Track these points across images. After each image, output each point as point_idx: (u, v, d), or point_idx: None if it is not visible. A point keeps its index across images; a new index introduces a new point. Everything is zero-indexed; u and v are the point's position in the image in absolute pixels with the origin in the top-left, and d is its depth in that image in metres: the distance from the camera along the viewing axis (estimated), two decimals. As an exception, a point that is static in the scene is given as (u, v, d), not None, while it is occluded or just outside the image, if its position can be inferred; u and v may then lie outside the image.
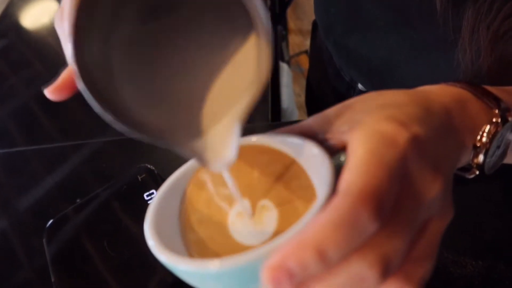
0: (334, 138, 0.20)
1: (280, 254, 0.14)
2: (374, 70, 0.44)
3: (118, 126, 0.17)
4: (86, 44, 0.17)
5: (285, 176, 0.21)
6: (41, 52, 0.69)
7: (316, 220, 0.15)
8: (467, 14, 0.29)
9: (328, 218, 0.15)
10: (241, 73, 0.19)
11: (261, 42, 0.17)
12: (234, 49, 0.19)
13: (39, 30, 0.77)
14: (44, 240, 0.43)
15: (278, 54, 0.94)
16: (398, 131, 0.17)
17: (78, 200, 0.45)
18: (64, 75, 0.26)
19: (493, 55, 0.29)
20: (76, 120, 0.57)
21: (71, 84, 0.25)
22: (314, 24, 0.60)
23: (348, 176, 0.16)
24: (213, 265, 0.16)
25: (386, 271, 0.15)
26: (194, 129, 0.19)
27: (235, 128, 0.19)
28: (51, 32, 0.72)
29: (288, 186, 0.21)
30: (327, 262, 0.14)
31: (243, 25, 0.18)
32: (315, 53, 0.61)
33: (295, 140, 0.21)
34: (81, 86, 0.16)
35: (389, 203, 0.16)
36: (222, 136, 0.19)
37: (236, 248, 0.19)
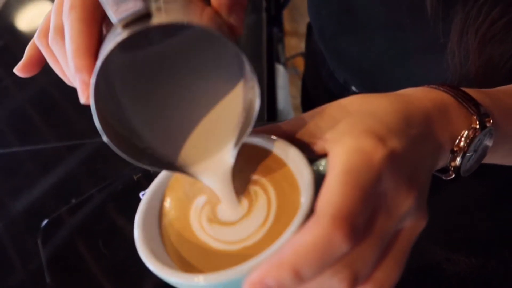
0: (316, 144, 0.21)
1: (260, 272, 0.16)
2: (365, 72, 0.44)
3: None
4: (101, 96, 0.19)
5: (279, 177, 0.22)
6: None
7: (293, 241, 0.17)
8: (457, 17, 0.30)
9: (304, 240, 0.16)
10: (233, 109, 0.22)
11: (248, 86, 0.20)
12: (228, 90, 0.22)
13: (34, 31, 0.77)
14: (39, 241, 0.42)
15: (274, 56, 0.94)
16: (376, 148, 0.18)
17: (73, 201, 0.45)
18: (29, 52, 0.26)
19: (481, 58, 0.30)
20: (70, 121, 0.57)
21: (38, 60, 0.26)
22: (309, 26, 0.60)
23: (325, 196, 0.17)
24: (197, 279, 0.18)
25: (355, 283, 0.17)
26: (193, 156, 0.22)
27: (230, 147, 0.21)
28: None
29: (277, 187, 0.22)
30: (301, 279, 0.16)
31: (234, 71, 0.21)
32: (310, 54, 0.61)
33: (284, 145, 0.22)
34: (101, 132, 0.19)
35: (362, 223, 0.17)
36: (217, 160, 0.22)
37: (215, 256, 0.20)
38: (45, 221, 0.43)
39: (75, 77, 0.20)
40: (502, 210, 0.40)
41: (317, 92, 0.61)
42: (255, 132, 0.23)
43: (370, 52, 0.42)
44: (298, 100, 0.74)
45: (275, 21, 1.08)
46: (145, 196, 0.22)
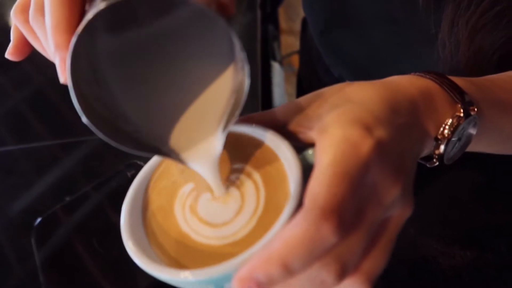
0: (304, 133, 0.21)
1: (250, 267, 0.17)
2: (360, 67, 0.44)
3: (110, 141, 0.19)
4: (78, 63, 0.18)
5: (267, 167, 0.22)
6: (31, 53, 0.68)
7: (282, 234, 0.17)
8: (448, 8, 0.30)
9: (293, 234, 0.16)
10: (222, 93, 0.21)
11: (238, 68, 0.20)
12: (218, 73, 0.22)
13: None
14: (32, 239, 0.42)
15: (270, 54, 0.94)
16: (363, 138, 0.18)
17: (67, 198, 0.45)
18: (16, 34, 0.26)
19: (471, 49, 0.30)
20: (64, 119, 0.57)
21: (26, 41, 0.26)
22: (304, 22, 0.60)
23: (314, 188, 0.17)
24: (184, 275, 0.18)
25: (343, 273, 0.17)
26: (181, 141, 0.22)
27: (218, 130, 0.21)
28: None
29: (266, 179, 0.21)
30: (290, 272, 0.16)
31: (225, 54, 0.21)
32: (305, 50, 0.61)
33: (274, 137, 0.22)
34: (73, 99, 0.18)
35: (351, 214, 0.17)
36: (205, 136, 0.21)
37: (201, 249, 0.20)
38: (39, 219, 0.43)
39: (55, 56, 0.20)
40: (496, 203, 0.40)
41: (312, 87, 0.61)
42: (245, 120, 0.22)
43: (363, 46, 0.42)
44: (293, 98, 0.74)
45: (271, 18, 1.08)
46: (132, 186, 0.22)
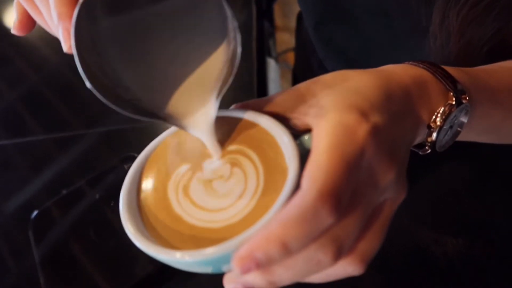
0: (300, 118, 0.22)
1: (249, 246, 0.17)
2: (352, 59, 0.45)
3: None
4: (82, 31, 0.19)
5: (265, 150, 0.22)
6: (24, 49, 0.68)
7: (280, 215, 0.17)
8: (439, 1, 0.30)
9: (291, 214, 0.17)
10: (216, 63, 0.23)
11: (231, 37, 0.21)
12: (212, 44, 0.23)
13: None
14: (29, 232, 0.42)
15: (265, 50, 0.94)
16: (359, 123, 0.19)
17: (63, 192, 0.45)
18: (19, 9, 0.27)
19: (461, 41, 0.31)
20: (60, 113, 0.57)
21: (30, 16, 0.27)
22: (299, 17, 0.61)
23: (311, 171, 0.18)
24: (181, 255, 0.18)
25: (338, 254, 0.18)
26: (178, 108, 0.23)
27: (212, 98, 0.22)
28: (33, 31, 0.71)
29: (265, 162, 0.22)
30: (288, 252, 0.17)
31: (219, 26, 0.22)
32: (300, 45, 0.62)
33: (270, 121, 0.22)
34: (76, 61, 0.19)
35: (347, 197, 0.18)
36: (201, 103, 0.22)
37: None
38: (36, 212, 0.43)
39: (58, 26, 0.21)
40: (487, 191, 0.41)
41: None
42: (242, 107, 0.23)
43: (356, 39, 0.42)
44: (289, 93, 0.74)
45: (266, 15, 1.08)
46: (129, 171, 0.22)
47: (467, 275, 0.37)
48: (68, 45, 0.20)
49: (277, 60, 1.24)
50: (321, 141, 0.18)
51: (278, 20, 1.44)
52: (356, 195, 0.18)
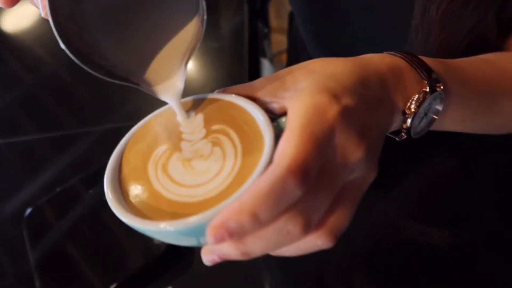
0: (278, 102, 0.23)
1: (222, 216, 0.18)
2: (339, 54, 0.46)
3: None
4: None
5: (244, 129, 0.23)
6: (18, 49, 0.69)
7: (252, 188, 0.18)
8: None
9: (261, 187, 0.18)
10: (186, 37, 0.25)
11: (200, 12, 0.24)
12: (183, 21, 0.25)
13: (17, 29, 0.77)
14: (23, 229, 0.43)
15: (260, 51, 0.95)
16: (330, 104, 0.20)
17: (57, 189, 0.45)
18: None
19: (442, 35, 0.32)
20: (54, 113, 0.57)
21: None
22: (291, 15, 0.61)
23: (282, 148, 0.19)
24: (163, 225, 0.19)
25: (307, 227, 0.19)
26: (152, 74, 0.25)
27: (182, 67, 0.25)
28: (28, 31, 0.72)
29: (244, 141, 0.23)
30: (259, 222, 0.18)
31: (191, 4, 0.24)
32: (292, 42, 0.62)
33: (249, 104, 0.24)
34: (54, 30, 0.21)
35: (314, 171, 0.18)
36: (172, 72, 0.25)
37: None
38: (29, 210, 0.44)
39: None
40: (473, 184, 0.41)
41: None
42: (225, 91, 0.25)
43: (344, 33, 0.43)
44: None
45: (260, 15, 1.09)
46: (114, 151, 0.23)
47: (454, 266, 0.37)
48: (45, 10, 0.21)
49: (272, 61, 1.24)
50: (294, 120, 0.19)
51: (273, 21, 1.45)
52: (325, 171, 0.19)
